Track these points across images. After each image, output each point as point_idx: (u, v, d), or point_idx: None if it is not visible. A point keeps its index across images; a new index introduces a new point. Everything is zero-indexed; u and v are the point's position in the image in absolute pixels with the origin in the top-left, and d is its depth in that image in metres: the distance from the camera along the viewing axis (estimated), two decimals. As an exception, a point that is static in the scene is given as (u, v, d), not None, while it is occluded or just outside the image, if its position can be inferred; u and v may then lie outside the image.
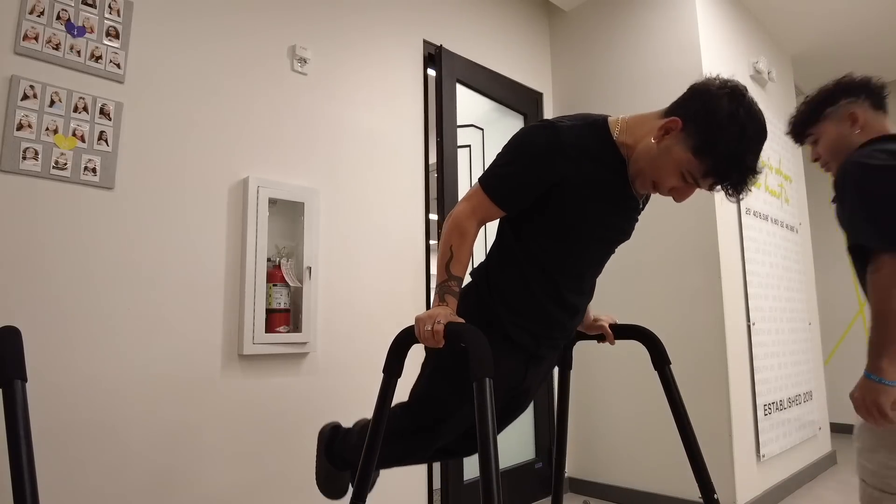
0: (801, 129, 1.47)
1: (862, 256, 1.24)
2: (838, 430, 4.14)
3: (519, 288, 1.24)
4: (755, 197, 3.06)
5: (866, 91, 1.39)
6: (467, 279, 1.29)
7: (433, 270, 2.04)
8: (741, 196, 1.10)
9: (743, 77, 3.23)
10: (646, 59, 3.05)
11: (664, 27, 2.99)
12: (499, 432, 1.42)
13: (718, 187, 1.10)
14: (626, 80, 3.12)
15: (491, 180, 1.21)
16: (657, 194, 1.20)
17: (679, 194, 1.15)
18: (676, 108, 1.13)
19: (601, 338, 1.52)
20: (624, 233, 1.30)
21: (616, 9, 3.23)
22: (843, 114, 1.38)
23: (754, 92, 3.54)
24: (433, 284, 1.26)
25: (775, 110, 3.58)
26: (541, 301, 1.24)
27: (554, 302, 1.25)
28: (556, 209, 1.19)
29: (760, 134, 1.07)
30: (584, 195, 1.17)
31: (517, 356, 1.28)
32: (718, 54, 2.99)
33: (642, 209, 1.32)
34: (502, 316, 1.25)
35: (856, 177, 1.24)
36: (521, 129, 1.22)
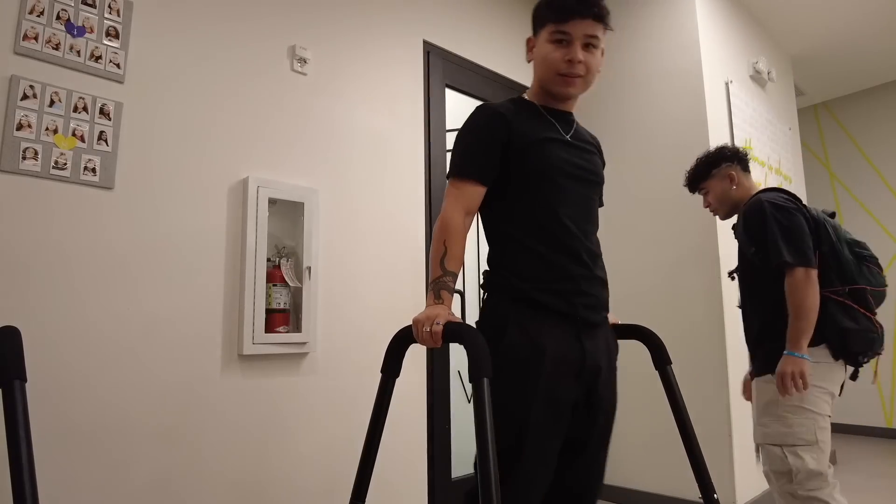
0: (695, 183, 1.98)
1: (764, 273, 1.71)
2: (838, 430, 4.14)
3: (521, 252, 1.23)
4: (755, 197, 3.06)
5: (737, 158, 1.93)
6: (469, 292, 1.29)
7: (424, 271, 2.10)
8: (602, 16, 1.23)
9: (743, 77, 3.23)
10: (646, 58, 3.05)
11: (664, 27, 2.99)
12: (592, 440, 1.27)
13: (578, 22, 1.21)
14: (627, 79, 3.12)
15: (458, 166, 1.26)
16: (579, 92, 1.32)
17: (571, 55, 1.23)
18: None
19: None
20: (585, 169, 1.31)
21: (616, 9, 3.21)
22: (725, 174, 1.91)
23: (754, 92, 3.55)
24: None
25: (775, 110, 3.58)
26: (544, 254, 1.22)
27: (558, 250, 1.22)
28: (517, 166, 1.25)
29: None
30: (531, 139, 1.25)
31: (562, 326, 1.20)
32: (718, 54, 2.99)
33: (580, 147, 1.35)
34: (522, 286, 1.21)
35: (772, 213, 1.69)
36: (463, 123, 1.32)
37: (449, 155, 2.84)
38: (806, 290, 1.61)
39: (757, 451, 1.95)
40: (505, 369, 1.14)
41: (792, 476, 1.63)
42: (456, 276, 1.19)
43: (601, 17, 1.23)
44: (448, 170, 1.28)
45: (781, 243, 1.65)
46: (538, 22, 1.29)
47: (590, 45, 1.24)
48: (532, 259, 1.22)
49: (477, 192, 1.24)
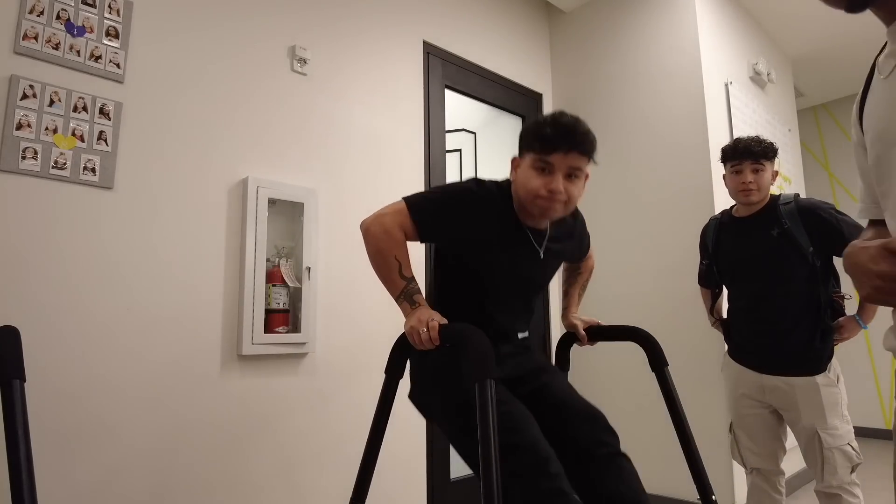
0: (763, 155, 1.89)
1: (807, 272, 1.83)
2: (837, 431, 4.13)
3: (464, 309, 1.30)
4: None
5: None
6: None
7: (425, 271, 2.08)
8: (587, 150, 1.23)
9: (742, 78, 3.23)
10: (646, 60, 3.06)
11: (664, 28, 3.00)
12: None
13: (560, 154, 1.22)
14: (627, 80, 3.12)
15: (424, 210, 1.26)
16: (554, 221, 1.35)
17: (552, 185, 1.22)
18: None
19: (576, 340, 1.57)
20: (531, 280, 1.38)
21: (616, 10, 3.23)
22: (773, 168, 1.93)
23: (754, 93, 3.55)
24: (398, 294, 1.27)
25: (775, 111, 3.59)
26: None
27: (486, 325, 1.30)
28: (472, 260, 1.29)
29: (556, 114, 1.25)
30: (490, 248, 1.29)
31: None
32: (718, 55, 2.99)
33: (549, 256, 1.38)
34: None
35: (842, 215, 1.82)
36: (457, 181, 1.37)
37: (448, 157, 2.85)
38: None
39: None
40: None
41: (854, 467, 1.75)
42: (415, 279, 1.23)
43: (586, 151, 1.23)
44: (414, 199, 1.28)
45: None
46: (524, 145, 1.29)
47: (572, 175, 1.25)
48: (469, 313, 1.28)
49: (415, 238, 1.27)
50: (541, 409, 1.23)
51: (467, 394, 1.09)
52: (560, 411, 1.25)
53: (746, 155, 1.89)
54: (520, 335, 1.40)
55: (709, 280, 2.18)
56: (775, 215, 1.88)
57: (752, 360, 1.93)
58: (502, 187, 1.33)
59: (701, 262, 2.20)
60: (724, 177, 2.00)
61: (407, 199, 1.28)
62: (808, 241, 1.81)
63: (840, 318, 1.86)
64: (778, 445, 1.93)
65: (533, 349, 1.44)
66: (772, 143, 1.93)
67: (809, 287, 1.82)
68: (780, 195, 1.94)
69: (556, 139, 1.21)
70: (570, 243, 1.48)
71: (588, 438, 1.21)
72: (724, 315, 2.15)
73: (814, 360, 1.81)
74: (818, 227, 1.81)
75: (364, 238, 1.26)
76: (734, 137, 2.10)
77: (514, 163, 1.33)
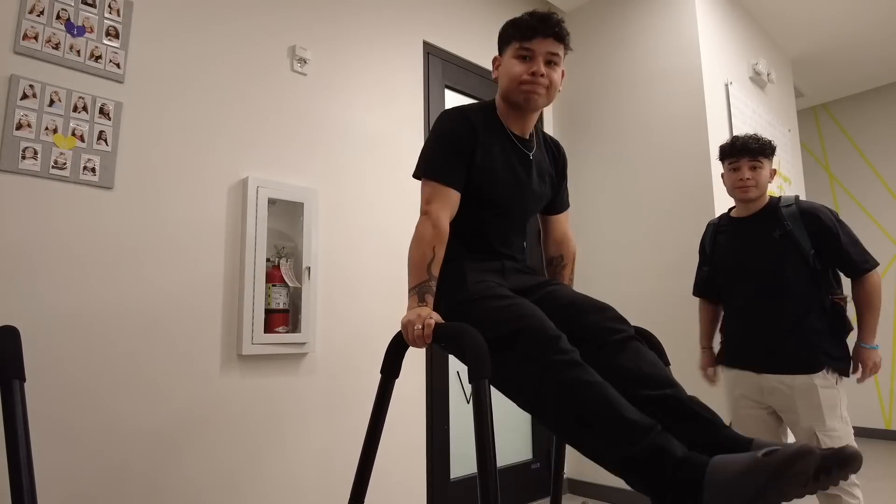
0: (761, 152, 1.90)
1: (807, 273, 1.83)
2: (837, 431, 4.13)
3: (461, 253, 1.36)
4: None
5: None
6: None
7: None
8: (563, 37, 1.33)
9: (742, 78, 3.23)
10: (646, 60, 3.06)
11: (664, 29, 3.00)
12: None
13: (537, 38, 1.31)
14: (626, 81, 3.12)
15: (440, 171, 1.31)
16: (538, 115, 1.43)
17: (534, 68, 1.31)
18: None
19: None
20: (524, 189, 1.41)
21: (616, 10, 3.23)
22: (771, 166, 1.94)
23: (754, 93, 3.54)
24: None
25: (775, 112, 3.59)
26: (477, 256, 1.38)
27: (487, 258, 1.39)
28: (474, 177, 1.34)
29: (530, 10, 1.34)
30: (489, 155, 1.35)
31: (489, 268, 1.36)
32: (718, 55, 2.99)
33: (536, 169, 1.44)
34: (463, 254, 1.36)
35: (844, 224, 1.85)
36: (435, 123, 1.40)
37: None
38: (881, 290, 1.86)
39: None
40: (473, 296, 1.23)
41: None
42: (436, 279, 1.23)
43: (561, 37, 1.33)
44: (423, 169, 1.33)
45: (864, 248, 1.84)
46: (504, 41, 1.38)
47: (551, 62, 1.33)
48: (470, 259, 1.36)
49: (457, 199, 1.32)
50: (549, 311, 1.21)
51: (466, 291, 1.21)
52: (567, 309, 1.26)
53: (744, 152, 1.89)
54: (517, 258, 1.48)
55: (706, 288, 2.17)
56: (777, 217, 1.88)
57: (749, 360, 1.93)
58: (483, 104, 1.42)
59: (701, 269, 2.19)
60: (722, 175, 2.00)
61: (426, 175, 1.33)
62: (809, 243, 1.82)
63: (853, 355, 1.84)
64: None
65: (538, 272, 1.48)
66: (769, 141, 1.93)
67: (810, 289, 1.83)
68: (780, 197, 1.94)
69: (534, 25, 1.31)
70: (553, 169, 1.51)
71: (599, 328, 1.21)
72: (719, 339, 2.14)
73: (812, 358, 1.81)
74: (818, 229, 1.82)
75: (416, 227, 1.29)
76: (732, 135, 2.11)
77: (496, 62, 1.42)
